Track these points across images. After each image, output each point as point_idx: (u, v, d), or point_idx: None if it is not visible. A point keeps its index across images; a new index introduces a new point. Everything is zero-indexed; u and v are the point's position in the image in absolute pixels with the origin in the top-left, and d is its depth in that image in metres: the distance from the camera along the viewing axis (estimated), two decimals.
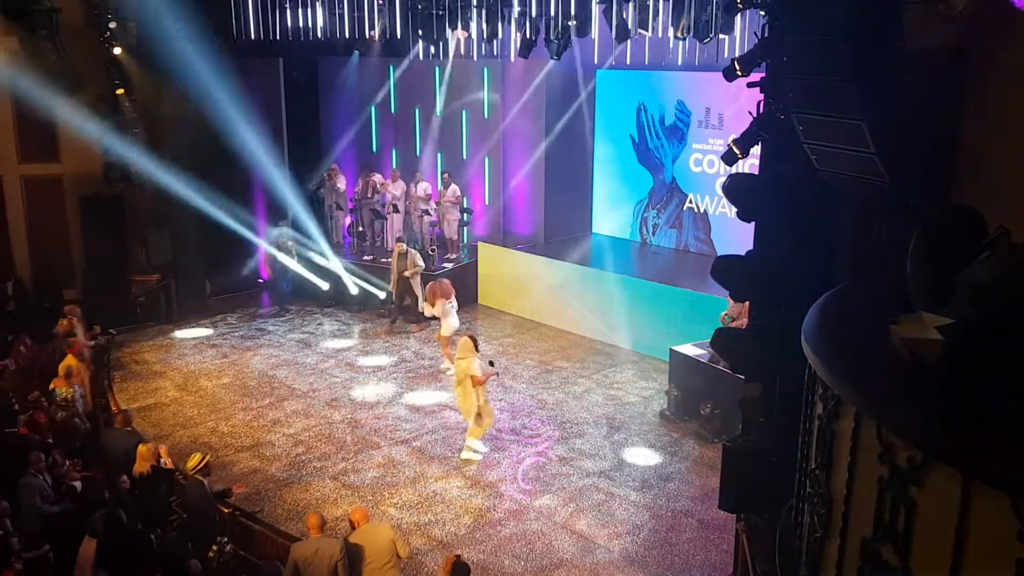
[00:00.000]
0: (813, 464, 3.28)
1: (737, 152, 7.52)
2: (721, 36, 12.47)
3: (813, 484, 3.24)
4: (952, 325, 2.80)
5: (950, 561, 2.52)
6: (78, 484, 8.78)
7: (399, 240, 15.75)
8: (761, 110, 7.31)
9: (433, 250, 16.83)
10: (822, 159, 6.35)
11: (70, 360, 10.97)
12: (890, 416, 2.76)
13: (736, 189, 7.20)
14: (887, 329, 3.00)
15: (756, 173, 7.44)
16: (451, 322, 13.50)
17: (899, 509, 2.69)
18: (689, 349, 12.11)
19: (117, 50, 14.95)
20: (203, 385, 13.32)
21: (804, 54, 6.57)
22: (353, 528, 7.56)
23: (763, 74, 7.32)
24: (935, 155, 5.82)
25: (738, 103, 12.09)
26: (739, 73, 7.54)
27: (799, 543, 3.52)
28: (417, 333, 15.36)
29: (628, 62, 16.01)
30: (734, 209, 15.60)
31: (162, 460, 9.33)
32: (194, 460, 8.64)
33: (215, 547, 8.31)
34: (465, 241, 17.63)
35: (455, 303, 13.64)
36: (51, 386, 10.62)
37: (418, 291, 15.08)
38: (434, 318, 13.94)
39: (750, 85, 7.35)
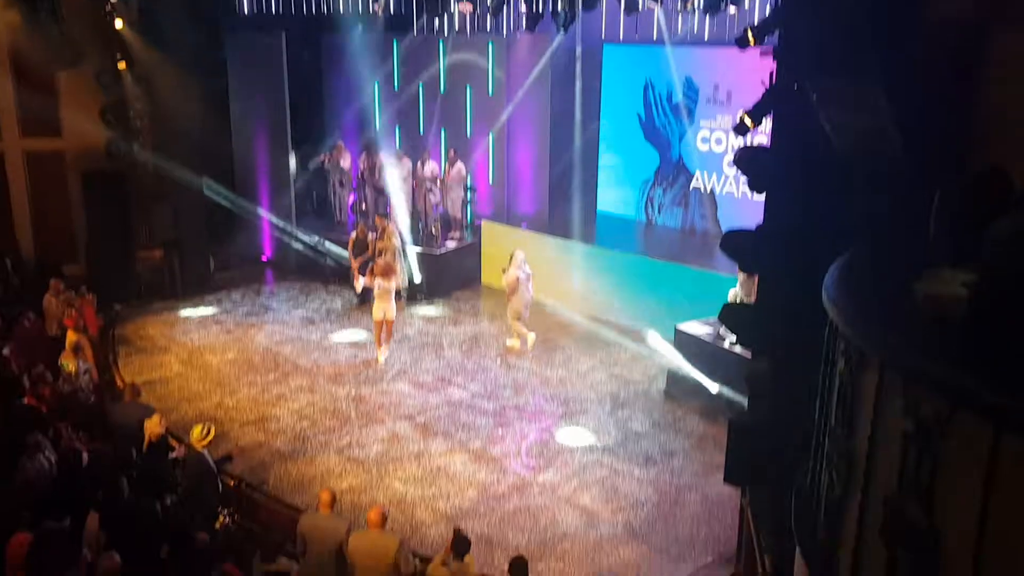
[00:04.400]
0: (832, 423, 3.24)
1: (749, 123, 7.43)
2: (731, 10, 12.34)
3: (832, 443, 3.21)
4: (977, 281, 2.77)
5: (977, 514, 2.50)
6: (85, 456, 8.76)
7: (382, 215, 15.60)
8: (774, 80, 7.22)
9: (437, 229, 16.76)
10: (836, 128, 6.29)
11: (77, 335, 10.96)
12: (917, 368, 2.73)
13: (748, 160, 7.14)
14: (910, 285, 2.97)
15: (767, 145, 7.35)
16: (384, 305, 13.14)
17: (924, 464, 2.67)
18: (694, 327, 12.08)
19: (119, 23, 14.81)
20: (208, 360, 13.31)
21: (821, 21, 6.51)
22: (366, 525, 7.46)
23: (776, 43, 7.22)
24: (951, 125, 5.75)
25: (747, 78, 12.01)
26: (752, 42, 7.43)
27: (815, 505, 3.48)
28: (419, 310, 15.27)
29: (636, 36, 15.81)
30: (741, 188, 15.52)
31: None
32: (197, 431, 8.64)
33: (221, 517, 8.33)
34: (469, 220, 17.55)
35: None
36: (60, 360, 10.60)
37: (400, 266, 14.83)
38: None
39: (763, 54, 7.25)
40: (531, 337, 13.54)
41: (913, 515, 2.71)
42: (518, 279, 13.27)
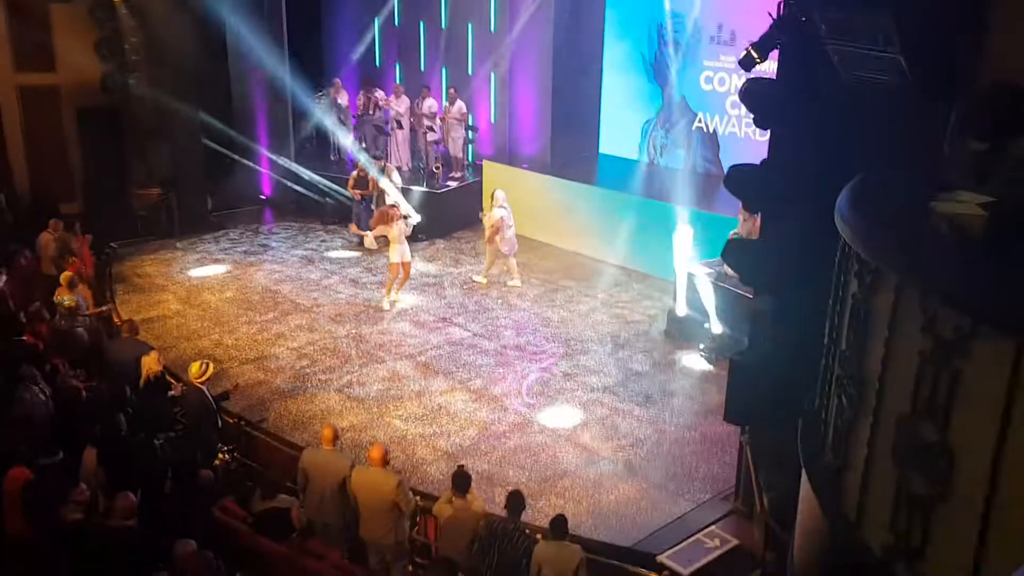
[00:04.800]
0: (843, 346, 3.17)
1: (755, 56, 7.23)
2: None
3: (844, 365, 3.14)
4: (995, 202, 2.67)
5: (996, 430, 2.44)
6: (83, 392, 8.74)
7: (378, 157, 15.38)
8: (781, 11, 7.02)
9: (438, 168, 16.57)
10: (845, 60, 6.14)
11: (72, 272, 10.88)
12: (937, 283, 2.64)
13: (753, 94, 6.98)
14: (926, 206, 2.87)
15: (774, 78, 7.17)
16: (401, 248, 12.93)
17: (940, 382, 2.60)
18: (695, 268, 11.99)
19: None
20: (206, 299, 13.25)
21: None
22: (367, 462, 7.45)
23: None
24: (960, 57, 5.58)
25: (751, 18, 11.74)
26: None
27: (823, 429, 3.43)
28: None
29: None
30: (744, 129, 15.26)
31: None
32: (196, 368, 8.60)
33: (220, 455, 8.34)
34: (470, 160, 17.35)
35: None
36: (55, 296, 10.53)
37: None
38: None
39: None
40: (512, 263, 13.65)
41: (927, 434, 2.66)
42: (502, 218, 13.28)
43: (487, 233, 13.51)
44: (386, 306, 12.85)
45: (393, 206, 13.23)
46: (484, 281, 13.79)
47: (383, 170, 14.81)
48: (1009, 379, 2.38)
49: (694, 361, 11.36)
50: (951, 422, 2.63)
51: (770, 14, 7.14)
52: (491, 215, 13.42)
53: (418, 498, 7.67)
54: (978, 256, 2.68)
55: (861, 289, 3.00)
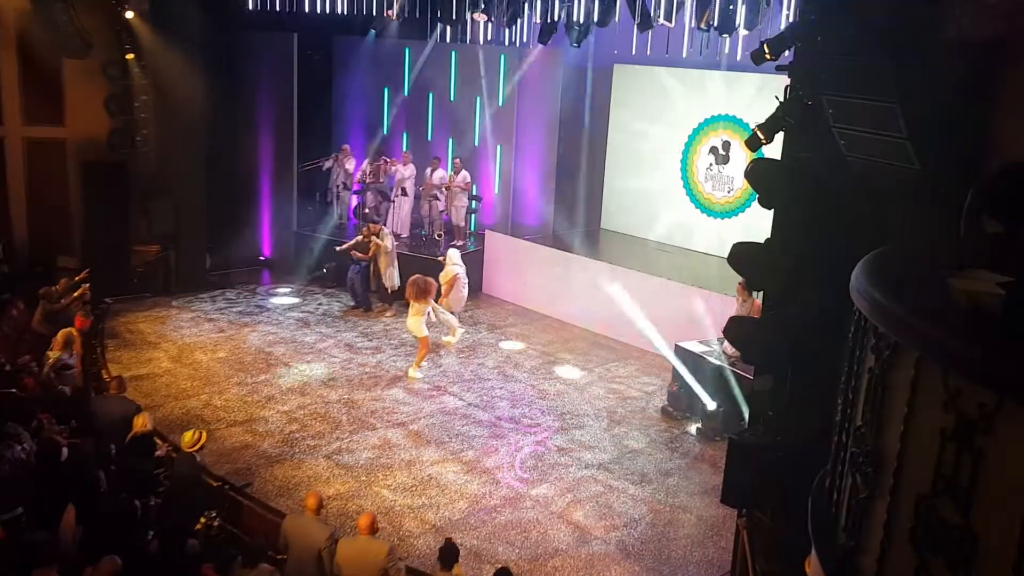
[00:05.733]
0: (859, 422, 3.05)
1: (761, 137, 7.28)
2: (744, 31, 12.21)
3: (858, 443, 3.01)
4: (1013, 280, 2.59)
5: (1022, 512, 2.30)
6: (65, 450, 8.53)
7: (374, 221, 15.55)
8: (787, 95, 7.07)
9: (440, 236, 16.60)
10: (851, 144, 6.15)
11: (71, 330, 10.74)
12: (961, 359, 2.54)
13: (758, 174, 6.98)
14: (944, 281, 2.79)
15: (779, 159, 7.19)
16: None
17: (963, 461, 2.47)
18: (694, 345, 11.89)
19: (129, 14, 14.66)
20: (198, 358, 13.08)
21: (839, 37, 6.38)
22: (355, 531, 7.26)
23: (791, 59, 7.10)
24: (967, 145, 5.59)
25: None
26: (768, 56, 7.29)
27: (835, 510, 3.28)
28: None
29: (648, 53, 15.64)
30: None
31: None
32: (190, 437, 8.41)
33: (203, 519, 8.10)
34: (472, 228, 17.39)
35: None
36: (49, 351, 10.36)
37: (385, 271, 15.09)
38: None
39: (779, 68, 7.12)
40: (460, 330, 13.92)
41: (948, 516, 2.52)
42: (456, 275, 14.02)
43: (443, 289, 13.89)
44: (419, 375, 12.77)
45: (428, 278, 13.21)
46: (451, 339, 13.91)
47: (378, 235, 14.90)
48: None
49: (691, 440, 11.16)
50: (974, 503, 2.50)
51: (776, 97, 7.20)
52: (447, 272, 13.98)
53: (404, 568, 7.44)
54: (997, 333, 2.58)
55: (878, 364, 2.90)
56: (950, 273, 2.87)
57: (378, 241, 14.70)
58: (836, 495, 3.28)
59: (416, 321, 12.82)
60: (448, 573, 6.79)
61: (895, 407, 2.79)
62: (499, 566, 6.99)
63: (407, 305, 13.19)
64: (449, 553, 6.84)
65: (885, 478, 2.82)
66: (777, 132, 7.41)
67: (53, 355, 10.25)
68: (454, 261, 14.20)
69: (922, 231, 5.10)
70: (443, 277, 13.99)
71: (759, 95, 13.16)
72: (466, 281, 14.32)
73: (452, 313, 13.94)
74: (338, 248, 15.82)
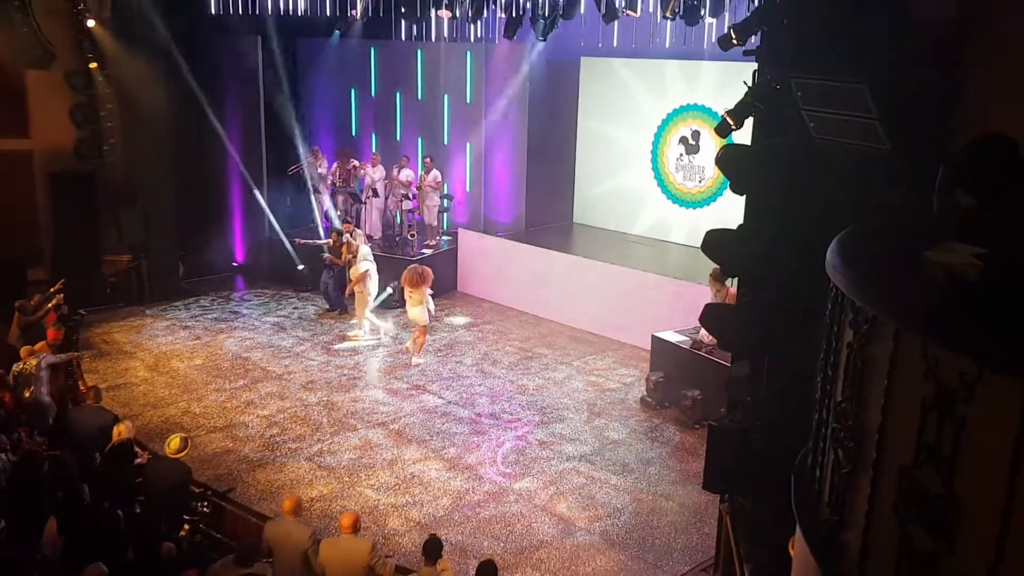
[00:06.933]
0: (839, 398, 3.09)
1: (731, 123, 7.34)
2: (709, 19, 12.28)
3: (839, 418, 3.06)
4: (989, 252, 2.65)
5: (1005, 480, 2.35)
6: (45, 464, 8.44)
7: (347, 221, 15.56)
8: (755, 79, 7.14)
9: (412, 235, 16.57)
10: (821, 126, 6.21)
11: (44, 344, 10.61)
12: (940, 329, 2.59)
13: (728, 160, 7.04)
14: (920, 254, 2.84)
15: (749, 144, 7.25)
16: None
17: (945, 431, 2.52)
18: (670, 336, 11.97)
19: (91, 23, 14.52)
20: (175, 366, 12.98)
21: (806, 18, 6.45)
22: (339, 531, 7.24)
23: (759, 42, 7.16)
24: (935, 124, 5.67)
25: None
26: (735, 41, 7.37)
27: (818, 486, 3.33)
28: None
29: (615, 45, 15.69)
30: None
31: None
32: (177, 442, 8.35)
33: (186, 526, 8.06)
34: (445, 227, 17.37)
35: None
36: (22, 359, 10.22)
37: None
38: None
39: (746, 53, 7.18)
40: (387, 325, 14.42)
41: (931, 485, 2.57)
42: (368, 271, 14.10)
43: (352, 284, 14.21)
44: (422, 360, 13.25)
45: (424, 267, 13.38)
46: (360, 333, 14.29)
47: (351, 234, 14.82)
48: (1017, 425, 2.31)
49: (671, 429, 11.24)
50: (957, 472, 2.55)
51: (745, 82, 7.26)
52: (356, 269, 14.09)
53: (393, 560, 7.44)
54: (975, 303, 2.64)
55: (857, 338, 2.94)
56: (925, 247, 2.92)
57: (350, 239, 14.59)
58: (819, 471, 3.33)
59: (418, 310, 13.05)
60: (433, 567, 6.80)
61: (875, 380, 2.84)
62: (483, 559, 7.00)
63: (390, 307, 13.27)
64: (433, 547, 6.85)
65: (867, 451, 2.86)
66: (747, 117, 7.47)
67: (29, 365, 10.09)
68: (364, 257, 14.30)
69: (894, 210, 5.16)
70: (353, 273, 14.21)
71: (726, 83, 13.23)
72: (376, 277, 14.37)
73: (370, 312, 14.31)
74: (300, 240, 16.21)
